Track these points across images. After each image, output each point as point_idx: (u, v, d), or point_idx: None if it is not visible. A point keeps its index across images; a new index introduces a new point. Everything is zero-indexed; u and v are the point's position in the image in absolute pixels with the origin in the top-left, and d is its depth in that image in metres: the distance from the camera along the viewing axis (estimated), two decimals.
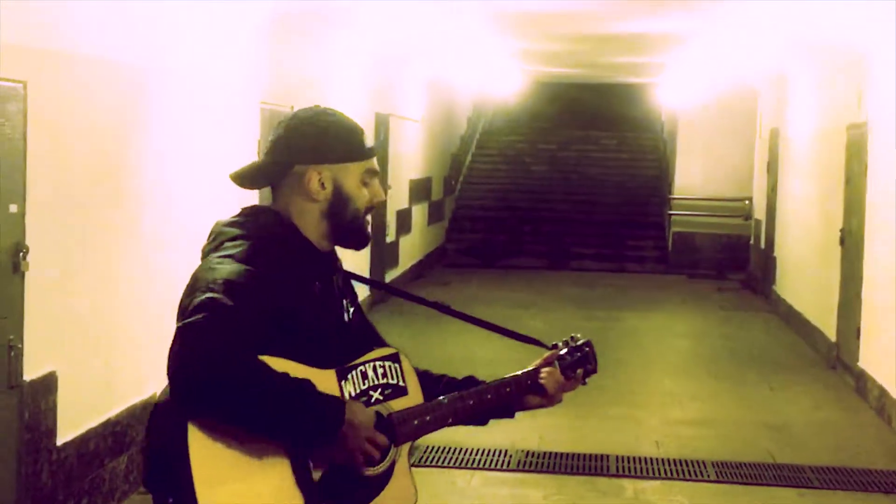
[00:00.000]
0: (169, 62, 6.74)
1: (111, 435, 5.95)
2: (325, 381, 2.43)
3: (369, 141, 2.63)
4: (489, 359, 10.48)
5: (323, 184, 2.55)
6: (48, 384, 5.29)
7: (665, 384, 9.83)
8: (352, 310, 2.68)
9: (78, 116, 5.57)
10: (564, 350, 2.88)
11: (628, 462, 7.20)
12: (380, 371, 2.57)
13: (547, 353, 2.87)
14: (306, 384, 2.35)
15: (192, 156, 7.09)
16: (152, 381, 6.26)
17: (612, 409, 8.70)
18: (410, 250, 15.54)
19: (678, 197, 18.19)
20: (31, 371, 5.14)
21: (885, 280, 8.59)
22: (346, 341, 2.59)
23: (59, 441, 5.40)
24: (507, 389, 2.76)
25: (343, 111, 2.65)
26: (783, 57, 12.29)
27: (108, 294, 5.93)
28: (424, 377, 2.73)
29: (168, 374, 2.30)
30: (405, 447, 2.58)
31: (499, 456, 7.23)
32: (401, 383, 2.60)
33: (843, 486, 6.84)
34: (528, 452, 7.33)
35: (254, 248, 2.46)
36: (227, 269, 2.39)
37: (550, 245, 18.41)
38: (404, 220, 14.89)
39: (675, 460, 7.26)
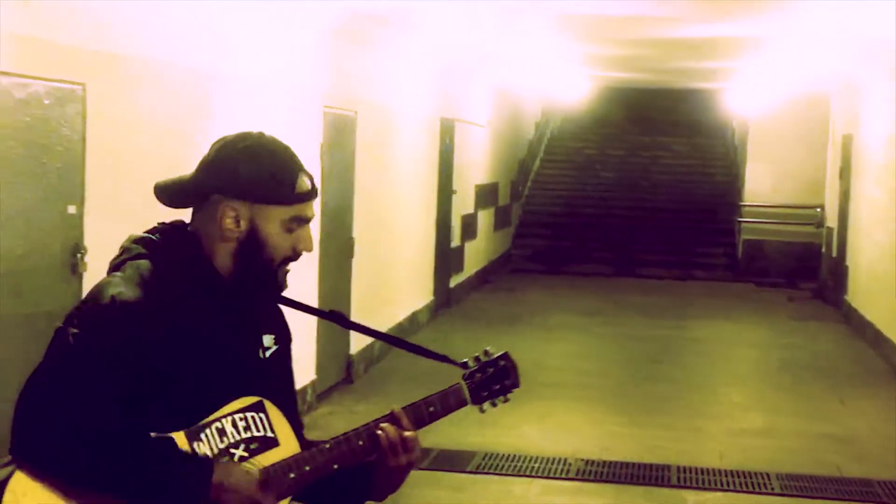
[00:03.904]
0: (231, 66, 6.76)
1: None
2: None
3: (306, 184, 2.34)
4: (556, 366, 10.43)
5: (238, 221, 2.30)
6: None
7: (731, 395, 9.66)
8: (273, 347, 2.42)
9: (138, 119, 5.61)
10: (475, 367, 2.52)
11: (690, 473, 7.07)
12: (241, 424, 2.27)
13: (406, 409, 2.44)
14: (167, 444, 2.16)
15: None
16: None
17: (675, 420, 8.57)
18: (476, 256, 15.48)
19: (748, 204, 17.94)
20: None
21: None
22: (254, 381, 2.33)
23: None
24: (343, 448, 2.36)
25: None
26: (856, 62, 12.05)
27: None
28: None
29: (13, 424, 2.13)
30: None
31: (558, 464, 7.14)
32: (269, 434, 2.30)
33: None
34: (588, 461, 7.24)
35: (152, 273, 2.28)
36: (113, 292, 2.22)
37: (617, 252, 18.23)
38: (470, 225, 14.84)
39: (738, 472, 7.11)
